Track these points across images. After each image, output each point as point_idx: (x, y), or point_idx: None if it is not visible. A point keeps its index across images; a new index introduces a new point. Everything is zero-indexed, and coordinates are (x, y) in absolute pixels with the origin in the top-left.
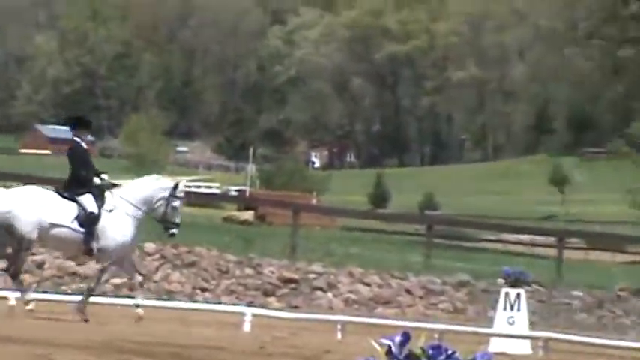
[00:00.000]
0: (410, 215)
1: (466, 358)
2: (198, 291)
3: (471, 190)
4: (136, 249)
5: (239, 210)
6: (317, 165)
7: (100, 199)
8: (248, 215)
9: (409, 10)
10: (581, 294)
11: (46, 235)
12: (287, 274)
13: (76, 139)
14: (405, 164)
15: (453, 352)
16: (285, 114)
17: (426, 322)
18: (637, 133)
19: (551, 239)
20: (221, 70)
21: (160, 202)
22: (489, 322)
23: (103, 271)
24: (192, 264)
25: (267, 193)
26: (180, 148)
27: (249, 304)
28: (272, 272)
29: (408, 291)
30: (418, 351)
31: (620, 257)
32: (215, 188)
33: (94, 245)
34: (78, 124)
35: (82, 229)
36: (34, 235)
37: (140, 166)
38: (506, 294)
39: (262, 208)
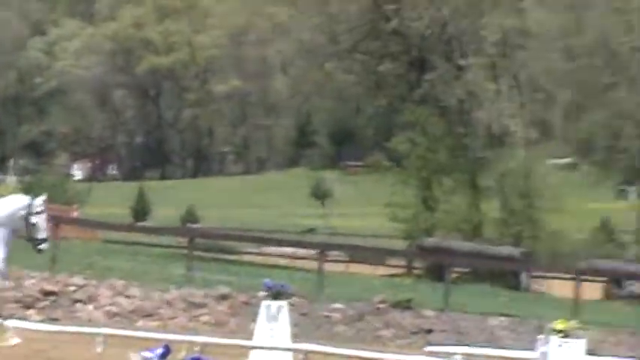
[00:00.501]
0: (172, 228)
1: None
2: None
3: (232, 203)
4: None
5: None
6: (78, 177)
7: None
8: None
9: (171, 22)
10: (341, 307)
11: None
12: (47, 287)
13: None
14: (167, 177)
15: None
16: (46, 125)
17: (188, 334)
18: (397, 147)
19: (313, 252)
20: None
21: (21, 221)
22: (251, 334)
23: None
24: None
25: None
26: None
27: (9, 317)
28: (32, 285)
29: (170, 304)
30: None
31: (380, 270)
32: None
33: None
34: None
35: None
36: None
37: None
38: (268, 307)
39: None
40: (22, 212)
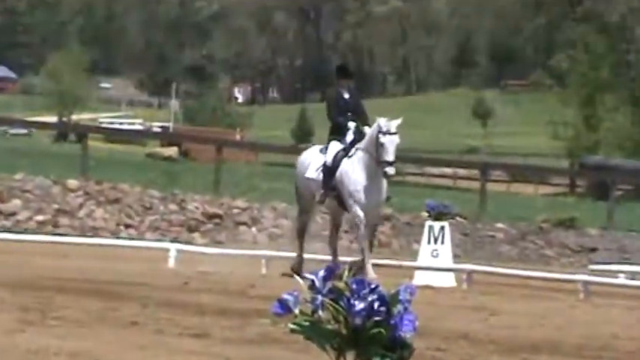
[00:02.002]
0: None
1: (390, 291)
2: (122, 227)
3: None
4: None
5: (162, 146)
6: (240, 100)
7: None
8: (172, 151)
9: None
10: (504, 226)
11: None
12: (211, 210)
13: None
14: None
15: (377, 286)
16: (207, 50)
17: (351, 256)
18: (558, 65)
19: (474, 172)
20: (143, 6)
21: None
22: (414, 255)
23: None
24: (116, 200)
25: (190, 128)
26: (103, 85)
27: (174, 240)
28: (196, 208)
29: None
30: (342, 285)
31: (542, 189)
32: (138, 124)
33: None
34: (340, 73)
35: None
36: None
37: (62, 104)
38: (430, 227)
39: (186, 144)
40: (375, 133)
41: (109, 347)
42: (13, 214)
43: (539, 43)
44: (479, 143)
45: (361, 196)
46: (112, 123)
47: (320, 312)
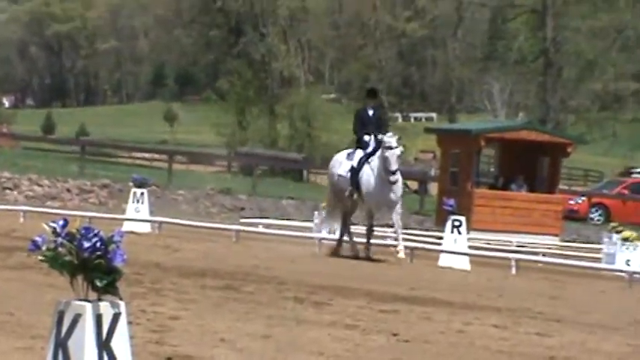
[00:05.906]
0: (70, 139)
1: (107, 235)
2: None
3: (111, 123)
4: None
5: None
6: (7, 105)
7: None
8: None
9: (69, 1)
10: (184, 192)
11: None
12: None
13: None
14: (67, 106)
15: (99, 231)
16: None
17: (81, 211)
18: (221, 87)
19: (165, 156)
20: None
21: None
22: (123, 212)
23: None
24: None
25: None
26: None
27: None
28: None
29: (69, 190)
30: (74, 231)
31: (210, 169)
32: None
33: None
34: (368, 94)
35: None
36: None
37: None
38: (134, 192)
39: None
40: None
41: None
42: None
43: (209, 71)
44: (168, 137)
45: (371, 196)
46: None
47: (60, 249)
